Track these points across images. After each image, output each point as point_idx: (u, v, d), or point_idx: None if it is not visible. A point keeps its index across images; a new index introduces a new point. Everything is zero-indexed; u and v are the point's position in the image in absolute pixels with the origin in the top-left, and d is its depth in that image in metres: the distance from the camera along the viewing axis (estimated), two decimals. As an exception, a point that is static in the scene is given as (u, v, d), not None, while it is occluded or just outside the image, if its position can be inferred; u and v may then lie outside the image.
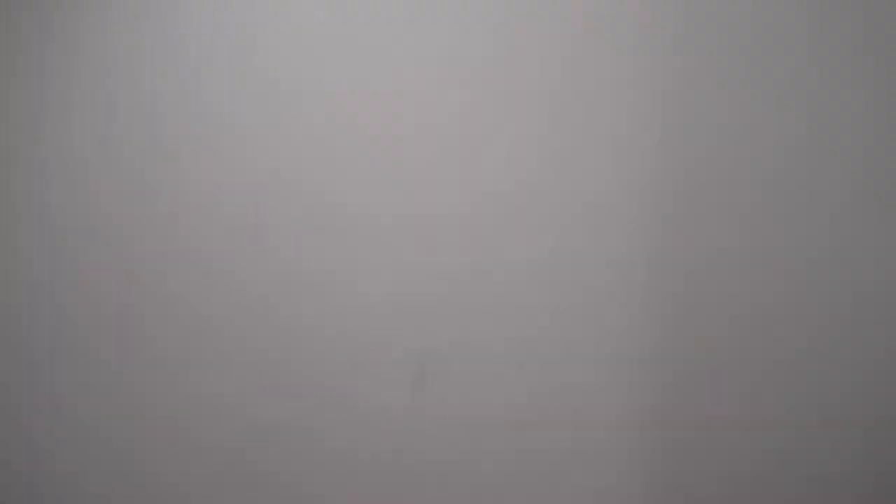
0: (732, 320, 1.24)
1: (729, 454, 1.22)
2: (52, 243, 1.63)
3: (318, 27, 1.48)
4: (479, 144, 1.38)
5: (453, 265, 1.38)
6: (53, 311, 1.61)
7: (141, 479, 1.52)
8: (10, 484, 1.58)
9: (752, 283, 1.24)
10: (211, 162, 1.52)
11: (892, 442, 1.15)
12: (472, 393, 1.35)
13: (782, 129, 1.24)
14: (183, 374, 1.53)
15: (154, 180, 1.56)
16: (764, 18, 1.25)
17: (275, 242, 1.47)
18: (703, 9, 1.27)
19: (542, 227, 1.34)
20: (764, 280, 1.23)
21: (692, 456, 1.23)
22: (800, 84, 1.23)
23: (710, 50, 1.27)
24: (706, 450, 1.23)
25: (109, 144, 1.60)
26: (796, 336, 1.21)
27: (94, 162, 1.61)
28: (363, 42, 1.45)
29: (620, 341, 1.28)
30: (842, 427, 1.17)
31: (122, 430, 1.54)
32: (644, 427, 1.26)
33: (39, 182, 1.65)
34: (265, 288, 1.48)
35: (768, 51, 1.25)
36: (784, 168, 1.24)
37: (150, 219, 1.56)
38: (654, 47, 1.29)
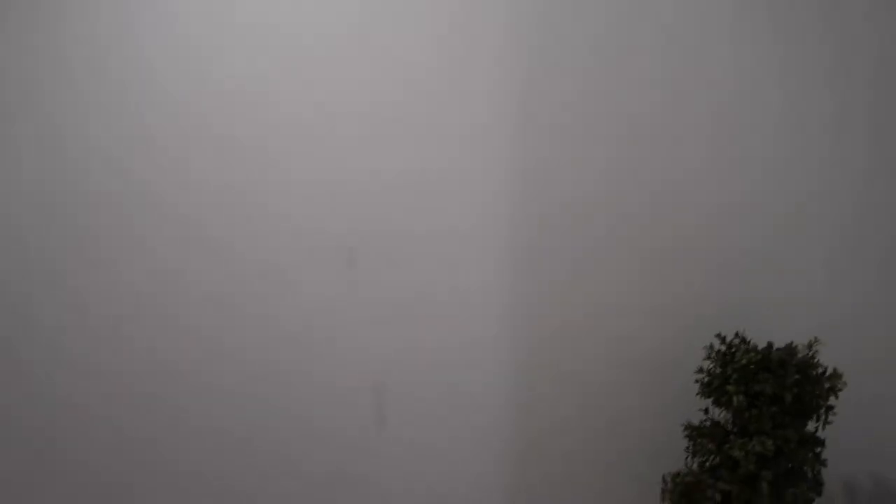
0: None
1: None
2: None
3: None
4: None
5: (378, 170, 1.84)
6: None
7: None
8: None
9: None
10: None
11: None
12: (390, 272, 1.84)
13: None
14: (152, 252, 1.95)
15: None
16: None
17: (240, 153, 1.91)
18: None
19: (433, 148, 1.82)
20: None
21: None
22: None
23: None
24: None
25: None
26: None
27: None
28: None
29: (488, 229, 1.80)
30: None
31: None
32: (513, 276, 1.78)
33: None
34: (233, 187, 1.91)
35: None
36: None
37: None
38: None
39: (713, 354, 1.52)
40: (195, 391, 1.95)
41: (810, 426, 1.47)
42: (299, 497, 1.88)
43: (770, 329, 1.60)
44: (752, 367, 1.44)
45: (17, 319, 1.97)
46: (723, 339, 1.53)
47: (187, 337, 1.94)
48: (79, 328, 1.95)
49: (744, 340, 1.51)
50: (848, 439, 1.56)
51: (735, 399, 1.42)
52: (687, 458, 1.52)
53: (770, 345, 1.47)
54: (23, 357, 2.01)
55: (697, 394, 1.54)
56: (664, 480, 1.51)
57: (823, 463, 1.43)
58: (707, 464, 1.48)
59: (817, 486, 1.41)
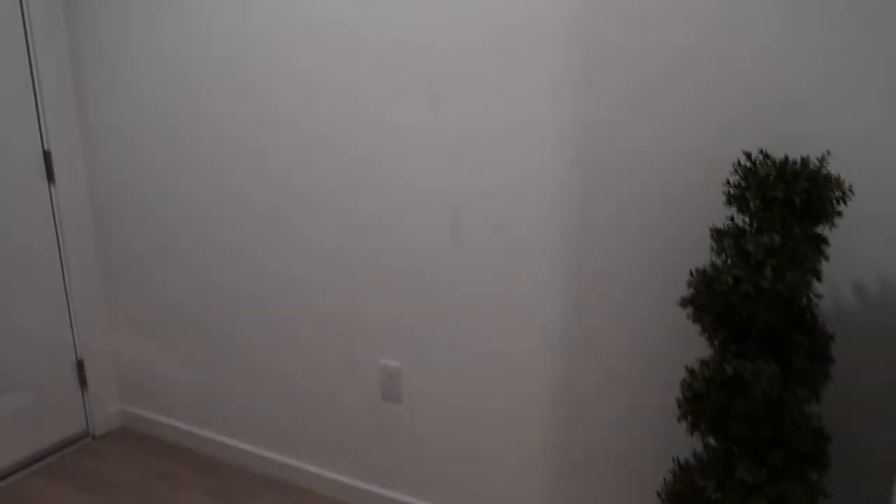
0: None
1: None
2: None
3: None
4: None
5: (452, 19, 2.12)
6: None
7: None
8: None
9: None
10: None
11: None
12: (468, 110, 2.17)
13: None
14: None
15: None
16: None
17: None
18: None
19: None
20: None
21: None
22: None
23: None
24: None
25: None
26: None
27: None
28: None
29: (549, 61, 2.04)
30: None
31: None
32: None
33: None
34: (317, 52, 2.31)
35: None
36: None
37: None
38: None
39: (739, 169, 1.79)
40: (314, 214, 2.46)
41: (821, 231, 1.74)
42: (395, 297, 2.39)
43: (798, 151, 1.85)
44: (770, 178, 1.70)
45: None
46: (748, 156, 1.79)
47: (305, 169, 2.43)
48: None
49: (767, 156, 1.76)
50: (861, 247, 1.85)
51: (752, 204, 1.70)
52: (711, 257, 1.84)
53: (786, 157, 1.72)
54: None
55: (724, 203, 1.82)
56: (691, 273, 1.84)
57: (826, 256, 1.72)
58: (728, 261, 1.79)
59: (816, 272, 1.70)
